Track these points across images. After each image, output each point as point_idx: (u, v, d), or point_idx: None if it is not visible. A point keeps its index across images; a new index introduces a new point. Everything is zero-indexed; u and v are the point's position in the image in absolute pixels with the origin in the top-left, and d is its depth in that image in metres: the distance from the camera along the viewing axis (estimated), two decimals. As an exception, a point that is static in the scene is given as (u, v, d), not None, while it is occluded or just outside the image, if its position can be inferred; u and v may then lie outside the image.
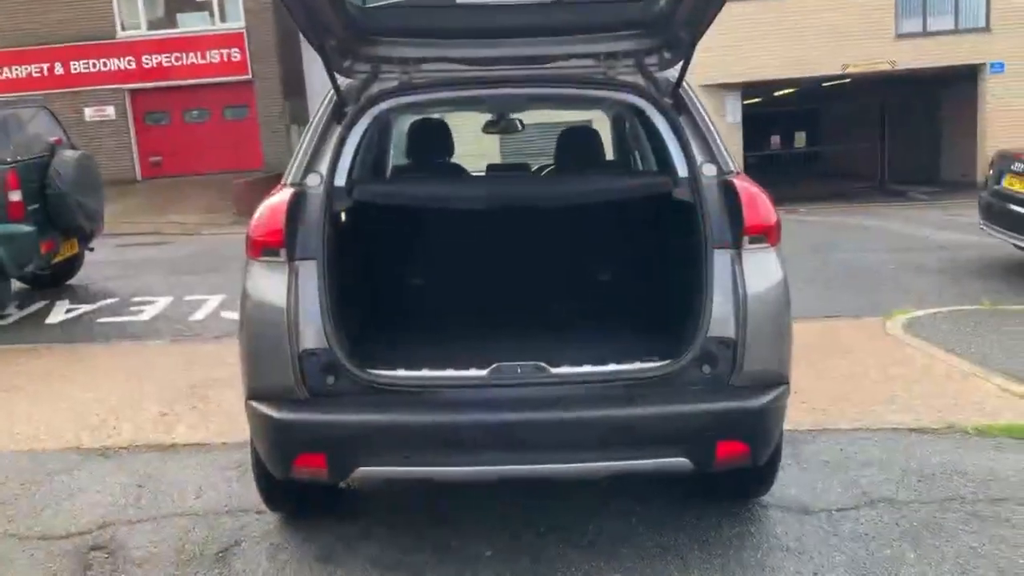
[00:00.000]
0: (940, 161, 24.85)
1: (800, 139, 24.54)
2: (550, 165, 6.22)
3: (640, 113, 3.81)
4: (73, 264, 10.39)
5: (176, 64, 25.00)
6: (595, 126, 5.67)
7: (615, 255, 4.62)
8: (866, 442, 4.76)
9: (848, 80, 22.67)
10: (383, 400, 3.19)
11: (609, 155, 5.83)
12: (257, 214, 3.35)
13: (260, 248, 3.31)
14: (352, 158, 3.58)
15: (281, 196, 3.35)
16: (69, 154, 9.42)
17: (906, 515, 3.89)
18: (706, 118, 3.62)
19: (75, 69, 25.23)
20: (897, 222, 15.33)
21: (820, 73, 21.51)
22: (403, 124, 5.80)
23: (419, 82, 3.67)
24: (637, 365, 3.31)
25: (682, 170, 3.52)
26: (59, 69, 25.21)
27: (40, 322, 8.88)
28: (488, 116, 6.24)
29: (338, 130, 3.55)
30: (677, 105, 3.62)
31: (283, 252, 3.27)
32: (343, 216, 3.60)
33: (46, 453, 4.98)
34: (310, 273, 3.26)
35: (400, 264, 4.54)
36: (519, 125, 6.44)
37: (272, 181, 3.91)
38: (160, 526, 4.01)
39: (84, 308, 9.43)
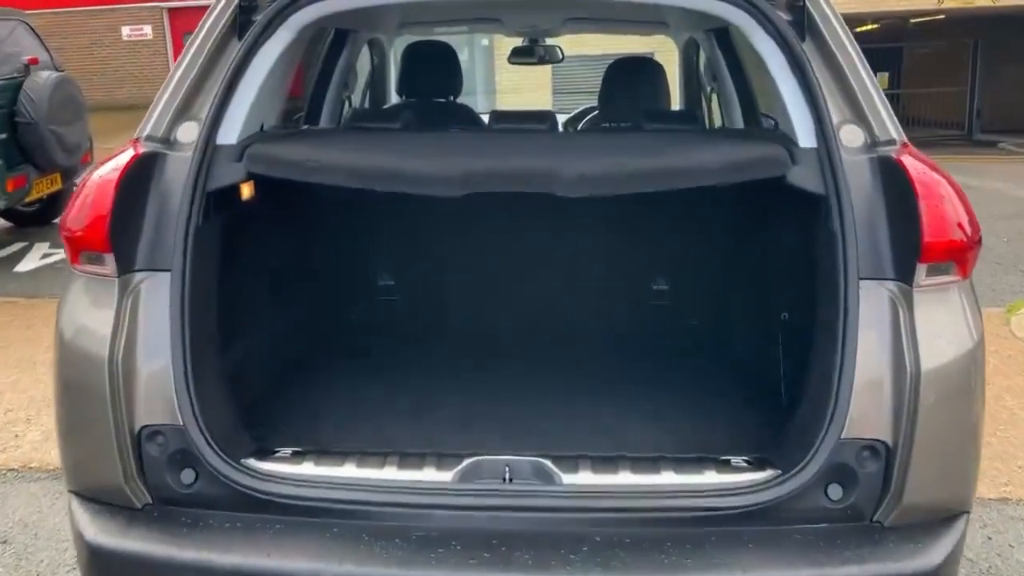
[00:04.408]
0: (1035, 111, 22.69)
1: (883, 80, 22.39)
2: (593, 110, 4.75)
3: (730, 36, 2.34)
4: (58, 202, 9.24)
5: (215, -19, 23.85)
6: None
7: (675, 278, 3.11)
8: (1024, 524, 3.34)
9: (941, 17, 20.49)
10: (272, 523, 1.85)
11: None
12: (78, 194, 2.03)
13: (77, 249, 1.98)
14: (258, 98, 2.20)
15: (115, 163, 2.02)
16: (45, 76, 8.15)
17: None
18: (850, 48, 2.16)
19: (111, -15, 24.27)
20: (1002, 180, 13.42)
21: (913, 7, 19.41)
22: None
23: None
24: (713, 477, 1.92)
25: (804, 135, 2.10)
26: (95, -15, 24.26)
27: (9, 269, 7.87)
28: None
29: (237, 50, 2.17)
30: (799, 24, 2.16)
31: (109, 259, 1.93)
32: (244, 193, 2.23)
33: None
34: (158, 294, 1.94)
35: (328, 281, 3.10)
36: (559, 53, 4.94)
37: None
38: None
39: (63, 254, 8.31)
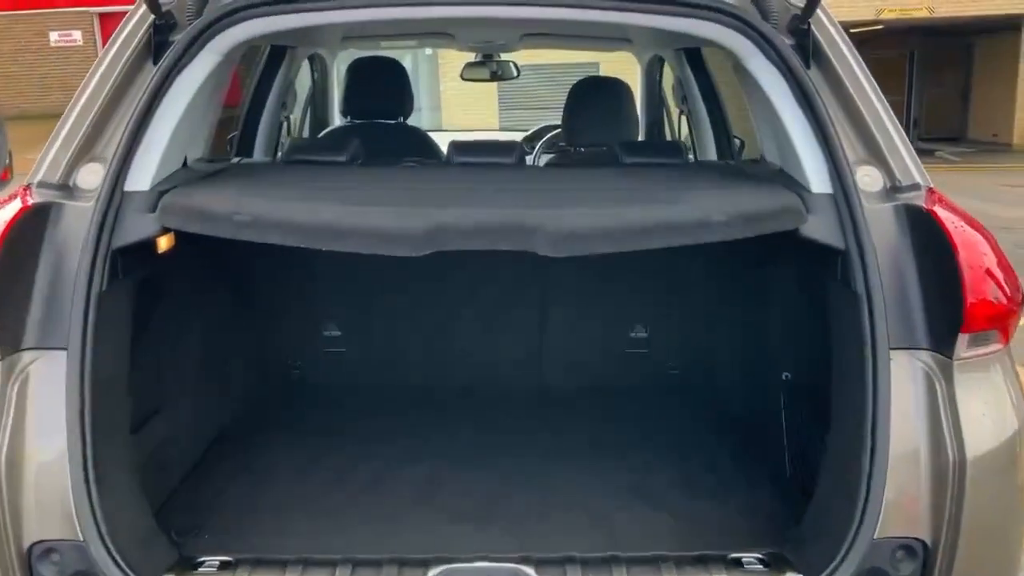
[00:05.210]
0: (968, 120, 23.26)
1: (822, 91, 22.68)
2: (552, 128, 4.48)
3: (702, 54, 2.08)
4: (-27, 220, 8.66)
5: (148, -15, 23.14)
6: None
7: (659, 329, 2.79)
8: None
9: (880, 27, 20.80)
10: None
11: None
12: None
13: (-48, 326, 1.63)
14: (177, 132, 1.86)
15: (-1, 217, 1.66)
16: (-43, 87, 7.59)
17: None
18: (861, 76, 1.90)
19: (39, -12, 23.41)
20: (948, 192, 13.44)
21: (852, 18, 19.62)
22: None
23: (309, -11, 1.93)
24: None
25: (816, 178, 1.82)
26: (22, -12, 23.37)
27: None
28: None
29: (151, 76, 1.84)
30: (803, 49, 1.90)
31: None
32: (162, 246, 1.88)
33: None
34: (52, 379, 1.59)
35: (264, 335, 2.74)
36: (513, 69, 4.67)
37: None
38: None
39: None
